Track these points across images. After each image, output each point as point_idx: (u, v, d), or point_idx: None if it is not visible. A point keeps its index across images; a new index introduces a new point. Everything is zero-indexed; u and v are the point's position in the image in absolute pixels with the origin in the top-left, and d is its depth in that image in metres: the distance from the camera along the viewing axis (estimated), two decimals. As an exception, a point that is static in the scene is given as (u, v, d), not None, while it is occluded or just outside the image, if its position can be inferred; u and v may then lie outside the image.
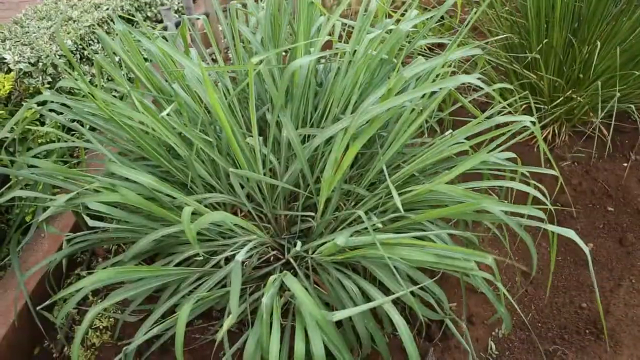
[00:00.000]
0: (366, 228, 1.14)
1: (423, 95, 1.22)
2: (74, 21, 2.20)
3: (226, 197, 1.43)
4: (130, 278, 1.26)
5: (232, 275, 0.99)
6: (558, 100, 2.06)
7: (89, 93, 1.25)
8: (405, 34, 1.41)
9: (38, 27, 2.07)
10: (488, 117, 1.29)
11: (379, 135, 1.53)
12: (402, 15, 1.51)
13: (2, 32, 2.06)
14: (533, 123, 1.20)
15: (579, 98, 2.04)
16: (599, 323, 1.56)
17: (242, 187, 1.49)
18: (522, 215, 1.23)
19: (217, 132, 1.51)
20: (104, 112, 1.25)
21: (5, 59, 1.91)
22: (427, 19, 1.38)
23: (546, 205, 1.28)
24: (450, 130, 1.34)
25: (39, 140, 1.83)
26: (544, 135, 2.23)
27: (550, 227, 1.17)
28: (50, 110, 1.52)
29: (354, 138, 1.25)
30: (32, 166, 1.38)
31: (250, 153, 1.36)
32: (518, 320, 1.60)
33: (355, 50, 1.43)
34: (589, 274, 1.77)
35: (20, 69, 1.91)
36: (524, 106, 2.05)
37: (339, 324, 1.40)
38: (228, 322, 1.07)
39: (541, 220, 1.21)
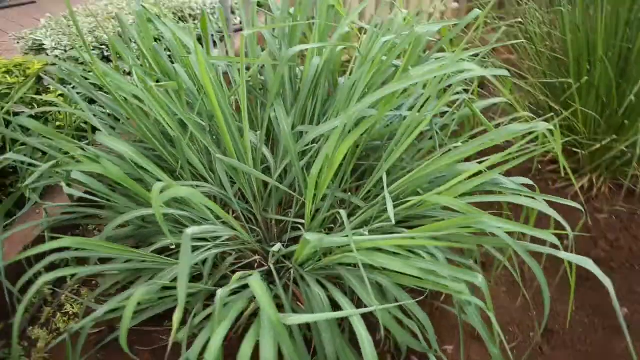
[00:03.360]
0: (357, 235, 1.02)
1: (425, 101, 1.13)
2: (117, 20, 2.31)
3: (213, 189, 1.36)
4: (95, 252, 1.19)
5: (181, 253, 0.89)
6: (598, 146, 1.88)
7: (90, 63, 1.25)
8: (424, 42, 1.34)
9: (82, 22, 2.18)
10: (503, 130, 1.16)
11: (382, 145, 1.43)
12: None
13: (50, 24, 2.18)
14: (550, 131, 1.06)
15: (621, 146, 1.85)
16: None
17: (234, 183, 1.42)
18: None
19: (216, 126, 1.46)
20: (101, 82, 1.24)
21: (45, 44, 2.00)
22: (445, 26, 1.30)
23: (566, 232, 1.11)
24: (460, 142, 1.22)
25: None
26: (580, 184, 2.03)
27: (564, 255, 1.01)
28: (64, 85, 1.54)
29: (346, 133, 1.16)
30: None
31: (242, 143, 1.30)
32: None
33: (367, 55, 1.37)
34: (620, 340, 1.52)
35: (56, 56, 1.99)
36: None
37: (310, 343, 1.26)
38: (177, 316, 0.96)
39: (556, 247, 1.05)
